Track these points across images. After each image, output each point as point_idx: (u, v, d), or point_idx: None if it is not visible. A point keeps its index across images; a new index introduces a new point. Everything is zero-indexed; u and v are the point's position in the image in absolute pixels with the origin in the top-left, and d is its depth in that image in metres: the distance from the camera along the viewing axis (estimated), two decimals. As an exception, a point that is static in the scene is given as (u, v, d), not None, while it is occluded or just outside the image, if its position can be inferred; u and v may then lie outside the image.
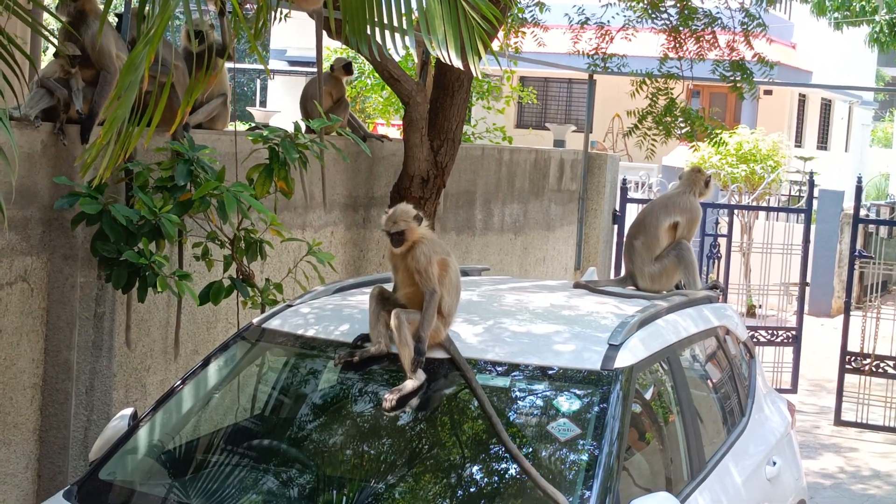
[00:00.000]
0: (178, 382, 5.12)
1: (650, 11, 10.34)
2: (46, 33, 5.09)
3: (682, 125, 10.49)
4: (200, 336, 6.96)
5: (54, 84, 6.08)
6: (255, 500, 4.50)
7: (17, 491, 5.97)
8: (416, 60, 9.94)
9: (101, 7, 6.36)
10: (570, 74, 14.29)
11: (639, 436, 4.93)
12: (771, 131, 18.92)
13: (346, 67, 8.62)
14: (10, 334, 5.84)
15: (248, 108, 27.39)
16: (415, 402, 4.65)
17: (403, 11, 4.37)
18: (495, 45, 10.57)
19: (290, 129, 6.58)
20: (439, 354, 4.71)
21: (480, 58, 4.41)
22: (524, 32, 11.37)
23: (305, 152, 6.46)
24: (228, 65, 7.70)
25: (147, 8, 3.56)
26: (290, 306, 5.33)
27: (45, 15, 8.00)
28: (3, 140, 4.54)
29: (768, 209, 14.71)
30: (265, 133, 6.42)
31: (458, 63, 4.29)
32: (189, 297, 6.10)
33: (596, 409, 4.59)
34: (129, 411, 4.99)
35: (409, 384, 4.60)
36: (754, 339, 12.25)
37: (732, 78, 10.12)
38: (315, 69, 8.20)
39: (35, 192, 5.88)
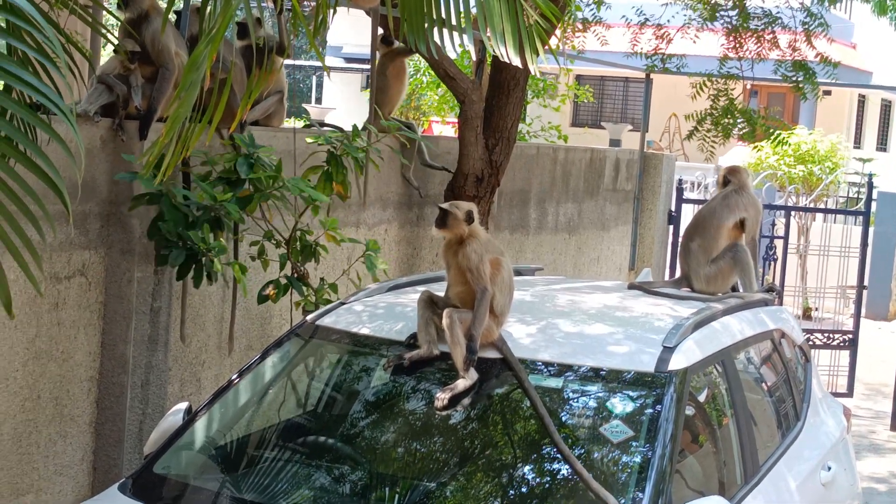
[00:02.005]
0: (233, 377, 5.15)
1: (709, 9, 10.27)
2: (105, 31, 5.13)
3: (742, 126, 10.41)
4: (255, 332, 7.00)
5: (113, 80, 6.13)
6: (307, 496, 4.52)
7: (72, 483, 6.03)
8: (472, 58, 9.92)
9: (162, 5, 6.43)
10: (627, 73, 14.21)
11: (692, 438, 4.90)
12: (829, 132, 18.72)
13: (384, 40, 8.43)
14: (68, 327, 5.90)
15: (304, 105, 27.50)
16: (467, 401, 4.65)
17: (462, 9, 4.36)
18: (553, 42, 10.55)
19: (347, 127, 6.62)
20: (492, 354, 4.70)
21: (538, 55, 4.40)
22: (581, 28, 11.32)
23: (363, 156, 6.50)
24: (285, 62, 7.73)
25: (209, 8, 3.58)
26: (343, 304, 5.35)
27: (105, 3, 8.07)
28: (67, 135, 4.59)
29: (826, 211, 14.56)
30: (327, 135, 6.46)
31: (516, 60, 4.27)
32: (242, 293, 6.14)
33: (649, 411, 4.56)
34: (183, 406, 5.03)
35: (462, 383, 4.59)
36: (810, 343, 12.12)
37: (794, 78, 10.02)
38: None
39: (94, 186, 5.93)
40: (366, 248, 6.58)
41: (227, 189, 6.06)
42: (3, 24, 3.34)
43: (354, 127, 6.72)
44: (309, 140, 6.57)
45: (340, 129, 7.73)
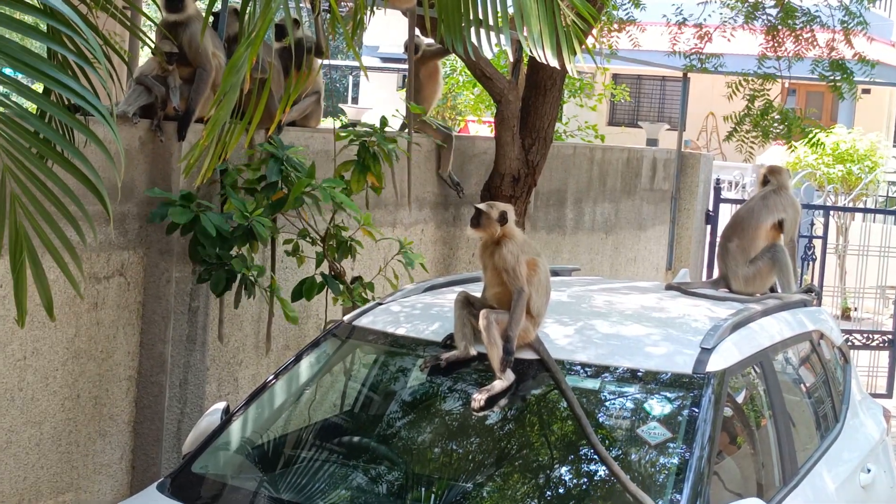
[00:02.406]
0: (270, 378, 5.17)
1: (748, 8, 10.22)
2: (143, 34, 5.16)
3: (780, 126, 10.35)
4: (291, 332, 7.03)
5: (152, 81, 6.17)
6: (344, 496, 4.53)
7: (111, 481, 6.08)
8: (509, 59, 9.91)
9: (201, 5, 6.47)
10: (664, 72, 14.17)
11: (730, 440, 4.87)
12: (868, 131, 18.57)
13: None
14: (108, 327, 5.95)
15: (341, 105, 27.57)
16: (503, 402, 4.64)
17: (499, 9, 4.36)
18: (589, 42, 10.53)
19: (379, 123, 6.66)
20: (528, 355, 4.70)
21: (575, 55, 4.39)
22: (619, 27, 11.29)
23: (393, 146, 6.52)
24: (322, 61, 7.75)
25: (248, 9, 3.60)
26: (380, 304, 5.36)
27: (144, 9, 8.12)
28: (106, 137, 4.62)
29: (865, 210, 14.45)
30: (356, 129, 6.48)
31: (553, 61, 4.27)
32: (283, 310, 6.22)
33: (687, 412, 4.55)
34: (221, 405, 5.05)
35: (498, 384, 4.59)
36: (849, 343, 12.04)
37: (832, 78, 9.96)
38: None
39: (133, 187, 5.97)
40: (400, 247, 6.59)
41: (259, 197, 6.10)
42: (44, 28, 3.37)
43: (383, 118, 6.73)
44: (341, 135, 6.60)
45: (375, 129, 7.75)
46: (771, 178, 6.59)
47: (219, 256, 5.98)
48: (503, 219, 4.76)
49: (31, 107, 4.17)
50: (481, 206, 4.81)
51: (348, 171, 6.54)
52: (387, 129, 6.86)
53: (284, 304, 6.21)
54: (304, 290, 6.33)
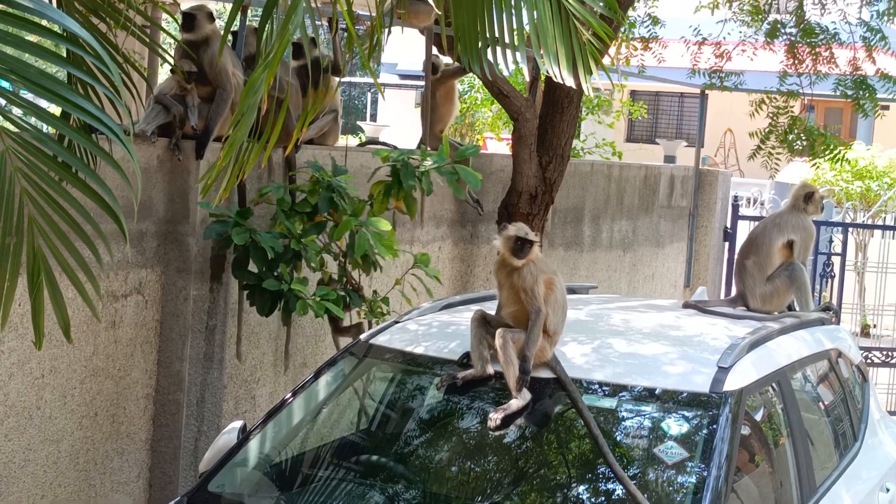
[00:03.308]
0: (287, 396, 5.17)
1: (767, 27, 10.21)
2: (162, 51, 5.19)
3: (804, 142, 10.33)
4: (309, 349, 7.03)
5: (170, 101, 6.21)
6: (360, 515, 4.53)
7: (129, 500, 6.09)
8: (525, 77, 9.92)
9: (219, 22, 6.50)
10: (682, 88, 14.17)
11: (748, 459, 4.85)
12: (888, 147, 18.52)
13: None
14: (125, 345, 5.96)
15: (359, 122, 27.62)
16: (520, 421, 4.64)
17: (515, 29, 4.37)
18: (607, 59, 10.53)
19: (400, 145, 6.65)
20: (545, 374, 4.69)
21: (591, 74, 4.40)
22: (636, 47, 11.30)
23: (425, 179, 6.53)
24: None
25: (266, 30, 3.62)
26: (397, 322, 5.36)
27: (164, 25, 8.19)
28: (122, 156, 4.65)
29: (884, 228, 14.40)
30: (392, 154, 6.48)
31: (569, 81, 4.28)
32: (298, 310, 6.20)
33: (704, 432, 4.53)
34: (238, 424, 5.06)
35: (515, 403, 4.59)
36: (868, 360, 11.98)
37: (855, 95, 9.93)
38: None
39: (151, 206, 6.00)
40: (414, 261, 6.60)
41: (303, 219, 6.13)
42: (59, 49, 3.39)
43: (422, 150, 6.73)
44: (375, 155, 6.61)
45: (394, 148, 7.75)
46: (791, 197, 6.58)
47: (259, 277, 6.02)
48: (531, 243, 4.76)
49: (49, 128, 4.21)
50: (530, 234, 4.78)
51: (379, 189, 6.55)
52: (403, 145, 6.87)
53: (335, 309, 6.20)
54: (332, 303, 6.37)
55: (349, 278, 6.45)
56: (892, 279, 13.06)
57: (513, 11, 4.30)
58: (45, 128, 3.49)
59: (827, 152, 10.25)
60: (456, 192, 6.80)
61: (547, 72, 4.30)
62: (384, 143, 8.45)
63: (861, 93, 9.91)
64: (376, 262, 6.41)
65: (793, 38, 10.16)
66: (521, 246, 4.73)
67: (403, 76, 30.76)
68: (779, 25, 10.16)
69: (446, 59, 8.30)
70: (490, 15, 4.30)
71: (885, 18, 9.85)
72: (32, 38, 3.05)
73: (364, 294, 6.55)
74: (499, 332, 4.66)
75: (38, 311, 3.32)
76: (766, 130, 10.38)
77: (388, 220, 6.50)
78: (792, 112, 10.33)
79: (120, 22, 4.26)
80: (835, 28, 10.14)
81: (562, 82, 4.29)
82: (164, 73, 13.94)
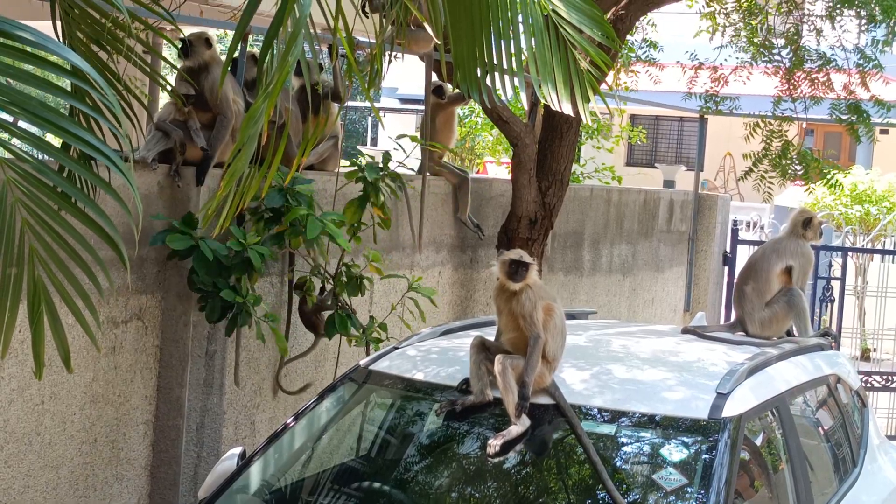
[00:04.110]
0: (287, 422, 5.18)
1: (763, 52, 10.26)
2: (162, 79, 5.22)
3: (798, 167, 10.37)
4: (308, 374, 7.04)
5: (170, 126, 6.23)
6: (359, 542, 4.53)
7: (128, 525, 6.09)
8: (524, 105, 9.96)
9: (221, 55, 6.54)
10: (682, 112, 14.20)
11: (747, 485, 4.86)
12: (887, 171, 18.55)
13: (437, 91, 8.50)
14: (125, 371, 5.97)
15: (359, 147, 27.67)
16: (519, 447, 4.64)
17: (514, 53, 4.40)
18: (604, 86, 10.58)
19: (400, 169, 6.68)
20: (544, 400, 4.70)
21: (589, 102, 4.43)
22: (636, 72, 11.35)
23: (398, 181, 6.55)
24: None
25: (266, 61, 3.65)
26: (396, 348, 5.37)
27: (165, 53, 8.23)
28: (122, 184, 4.68)
29: (884, 252, 14.41)
30: (360, 164, 6.53)
31: (567, 109, 4.30)
32: (281, 352, 6.22)
33: (703, 458, 4.54)
34: (237, 450, 5.07)
35: (514, 430, 4.59)
36: (868, 385, 11.98)
37: (849, 120, 9.98)
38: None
39: (151, 231, 6.01)
40: (409, 286, 6.61)
41: (259, 227, 6.13)
42: (60, 83, 3.42)
43: (385, 153, 6.77)
44: (345, 174, 6.64)
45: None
46: (789, 222, 6.60)
47: (214, 284, 5.98)
48: (529, 268, 4.78)
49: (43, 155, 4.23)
50: (525, 257, 4.80)
51: (352, 208, 6.58)
52: (402, 169, 6.90)
53: (277, 335, 6.21)
54: (339, 324, 6.37)
55: (338, 300, 6.45)
56: (891, 303, 13.07)
57: (511, 40, 4.33)
58: (38, 154, 3.52)
59: (821, 177, 10.28)
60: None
61: (545, 100, 4.33)
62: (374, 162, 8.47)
63: (856, 117, 9.95)
64: (361, 281, 6.41)
65: (788, 64, 10.20)
66: (515, 269, 4.75)
67: (404, 100, 30.83)
68: (771, 48, 10.20)
69: (450, 85, 8.34)
70: (489, 43, 4.33)
71: (881, 46, 9.89)
72: (30, 67, 3.06)
73: (357, 320, 6.56)
74: (498, 358, 4.67)
75: (38, 341, 3.33)
76: (760, 153, 10.42)
77: (373, 235, 6.53)
78: (786, 136, 10.36)
79: (122, 51, 4.28)
80: (832, 54, 10.18)
81: (560, 110, 4.31)
82: (164, 100, 13.98)
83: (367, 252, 6.56)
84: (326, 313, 6.60)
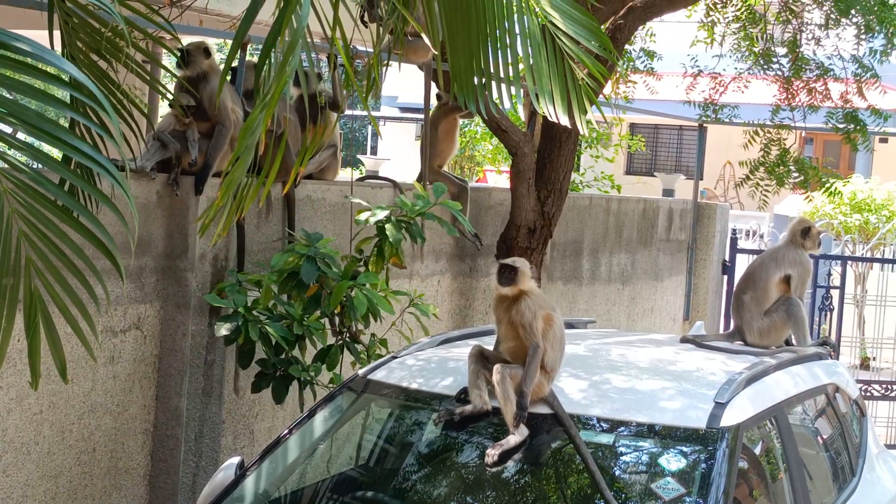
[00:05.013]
0: (285, 432, 5.18)
1: (762, 61, 10.28)
2: (162, 87, 5.24)
3: (796, 175, 10.38)
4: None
5: (168, 137, 6.24)
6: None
7: (127, 535, 6.08)
8: (522, 117, 9.98)
9: (220, 64, 6.55)
10: (681, 121, 14.22)
11: (746, 494, 4.85)
12: (886, 180, 18.56)
13: (438, 97, 8.49)
14: (124, 381, 5.97)
15: (359, 156, 27.67)
16: (518, 457, 4.64)
17: (511, 70, 4.40)
18: (605, 91, 10.59)
19: (401, 179, 6.66)
20: (542, 409, 4.70)
21: (586, 114, 4.43)
22: (634, 82, 11.37)
23: (415, 227, 6.53)
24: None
25: (263, 72, 3.65)
26: (395, 358, 5.37)
27: (164, 62, 8.23)
28: (120, 194, 4.69)
29: (883, 261, 14.42)
30: (372, 213, 6.45)
31: (564, 120, 4.31)
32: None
33: (701, 467, 4.54)
34: (235, 460, 5.06)
35: (512, 439, 4.59)
36: (868, 394, 11.98)
37: (846, 129, 9.99)
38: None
39: (150, 241, 6.02)
40: (410, 301, 6.60)
41: (295, 295, 6.19)
42: (58, 94, 3.42)
43: (401, 201, 6.70)
44: (359, 219, 6.55)
45: (394, 182, 7.79)
46: (788, 231, 6.60)
47: (273, 365, 6.17)
48: (522, 275, 4.78)
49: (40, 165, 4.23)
50: (517, 262, 4.81)
51: (367, 245, 6.52)
52: (401, 179, 6.87)
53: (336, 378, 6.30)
54: (330, 358, 6.38)
55: (349, 331, 6.45)
56: (891, 312, 13.07)
57: (508, 50, 4.33)
58: (35, 164, 3.52)
59: (820, 185, 10.30)
60: (449, 231, 6.83)
61: (542, 111, 4.33)
62: (384, 178, 8.49)
63: (853, 126, 9.97)
64: (377, 313, 6.41)
65: (786, 73, 10.22)
66: (503, 272, 4.76)
67: (404, 109, 30.84)
68: (771, 56, 10.22)
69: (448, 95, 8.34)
70: (486, 53, 4.34)
71: (879, 56, 9.90)
72: (27, 79, 3.07)
73: (361, 339, 6.54)
74: (496, 367, 4.67)
75: (34, 351, 3.34)
76: (756, 162, 10.44)
77: (383, 275, 6.51)
78: (784, 144, 10.37)
79: (121, 60, 4.29)
80: (830, 63, 10.20)
81: (557, 122, 4.32)
82: (164, 109, 13.97)
83: (384, 308, 6.43)
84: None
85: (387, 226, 6.36)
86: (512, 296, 4.80)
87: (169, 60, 10.80)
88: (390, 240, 6.31)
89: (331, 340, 6.44)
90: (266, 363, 6.20)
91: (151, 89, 7.22)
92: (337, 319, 6.38)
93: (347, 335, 6.42)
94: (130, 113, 4.55)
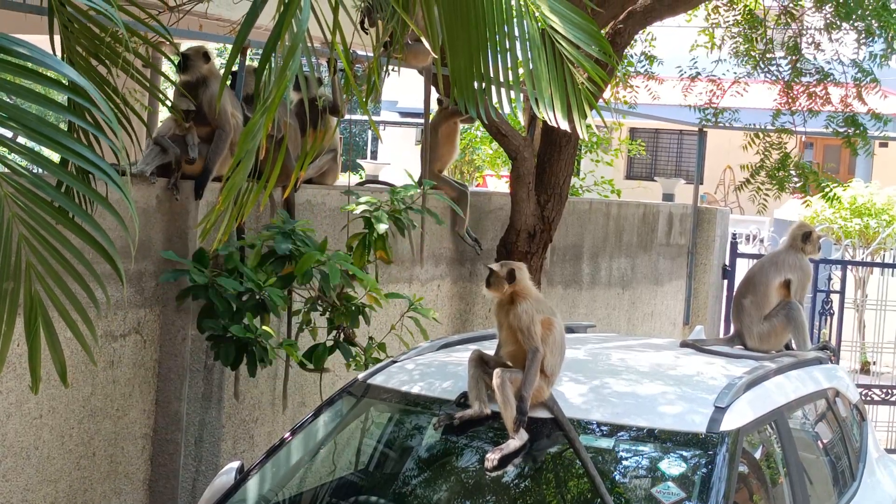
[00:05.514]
0: (285, 436, 5.18)
1: (761, 65, 10.29)
2: (161, 93, 5.24)
3: (796, 179, 10.39)
4: (308, 388, 7.04)
5: (168, 142, 6.25)
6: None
7: (126, 539, 6.08)
8: (522, 122, 9.98)
9: (220, 69, 6.55)
10: (681, 125, 14.22)
11: (746, 499, 4.85)
12: (886, 185, 18.57)
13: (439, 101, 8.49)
14: (123, 385, 5.97)
15: (359, 161, 27.68)
16: (518, 461, 4.64)
17: (511, 74, 4.41)
18: (605, 95, 10.60)
19: (400, 183, 6.65)
20: (542, 414, 4.70)
21: (585, 118, 4.43)
22: (634, 87, 11.37)
23: (405, 216, 6.49)
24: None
25: (263, 77, 3.66)
26: (395, 362, 5.37)
27: (164, 67, 8.26)
28: (120, 198, 4.68)
29: (883, 265, 14.42)
30: (360, 203, 6.44)
31: (564, 125, 4.31)
32: (295, 361, 6.18)
33: (701, 472, 4.54)
34: (235, 465, 5.06)
35: (512, 443, 4.59)
36: (868, 398, 11.98)
37: (846, 133, 10.00)
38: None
39: (150, 245, 6.02)
40: (409, 305, 6.59)
41: (268, 269, 6.09)
42: (58, 97, 3.43)
43: (392, 189, 6.71)
44: (344, 209, 6.55)
45: (392, 186, 7.80)
46: (788, 236, 6.60)
47: (224, 328, 5.95)
48: (511, 277, 4.78)
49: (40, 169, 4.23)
50: (493, 265, 4.85)
51: (357, 241, 6.50)
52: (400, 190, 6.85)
53: (294, 355, 6.14)
54: (315, 357, 6.32)
55: (340, 329, 6.42)
56: (891, 316, 13.07)
57: (508, 55, 4.33)
58: (35, 168, 3.52)
59: (819, 190, 10.30)
60: (437, 221, 6.82)
61: (541, 115, 4.33)
62: (384, 182, 8.51)
63: (853, 130, 9.98)
64: (361, 309, 6.36)
65: (784, 76, 10.23)
66: (488, 276, 4.78)
67: (404, 113, 30.84)
68: (770, 60, 10.23)
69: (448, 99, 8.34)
70: (486, 58, 4.34)
71: (880, 61, 9.91)
72: (27, 83, 3.08)
73: (357, 342, 6.52)
74: (496, 371, 4.67)
75: (34, 356, 3.34)
76: (757, 165, 10.44)
77: (371, 271, 6.48)
78: (784, 149, 10.38)
79: (118, 64, 4.29)
80: (829, 68, 10.21)
81: (557, 126, 4.32)
82: (163, 113, 13.98)
83: (367, 282, 6.43)
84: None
85: (374, 214, 6.33)
86: (509, 299, 4.80)
87: (168, 66, 10.80)
88: (377, 231, 6.28)
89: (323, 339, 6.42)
90: (216, 325, 5.98)
91: (151, 95, 7.22)
92: (314, 292, 6.31)
93: (341, 335, 6.41)
94: (129, 118, 4.55)
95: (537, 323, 4.74)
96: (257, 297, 5.99)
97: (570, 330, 5.77)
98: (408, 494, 4.86)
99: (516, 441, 4.59)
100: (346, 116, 8.84)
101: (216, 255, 6.08)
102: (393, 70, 7.38)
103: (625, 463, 4.73)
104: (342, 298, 6.33)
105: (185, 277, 5.95)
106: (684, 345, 6.22)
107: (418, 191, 6.72)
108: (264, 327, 6.00)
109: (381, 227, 6.29)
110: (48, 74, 3.07)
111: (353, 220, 6.73)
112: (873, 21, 9.31)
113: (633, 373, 5.35)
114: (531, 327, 4.72)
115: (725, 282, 13.00)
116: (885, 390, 12.40)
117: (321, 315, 6.40)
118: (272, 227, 6.18)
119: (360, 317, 6.38)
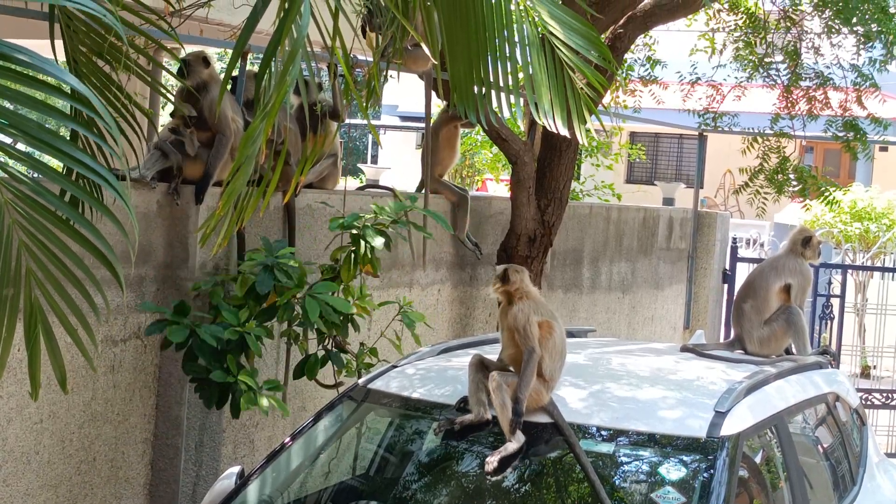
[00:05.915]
0: (285, 441, 5.18)
1: (761, 70, 10.30)
2: (165, 91, 5.24)
3: (795, 183, 10.39)
4: (308, 392, 7.04)
5: (169, 147, 6.26)
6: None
7: (127, 544, 6.08)
8: (521, 127, 9.99)
9: (220, 74, 6.55)
10: (682, 130, 14.22)
11: (746, 503, 4.86)
12: (886, 189, 18.57)
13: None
14: (124, 390, 5.97)
15: (360, 165, 27.69)
16: (517, 465, 4.64)
17: (510, 80, 4.41)
18: (606, 100, 10.60)
19: (400, 188, 6.65)
20: (542, 419, 4.70)
21: (585, 124, 4.44)
22: (635, 91, 11.38)
23: (393, 229, 6.44)
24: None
25: (263, 82, 3.66)
26: (394, 367, 5.37)
27: (164, 73, 8.24)
28: (119, 204, 4.69)
29: (883, 269, 14.42)
30: (343, 221, 6.38)
31: (563, 131, 4.31)
32: (283, 413, 6.10)
33: (701, 477, 4.54)
34: (235, 469, 5.07)
35: (510, 446, 4.59)
36: (868, 402, 11.98)
37: (845, 137, 10.00)
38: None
39: (150, 250, 6.02)
40: (399, 308, 6.56)
41: (251, 305, 6.03)
42: (59, 104, 3.43)
43: (376, 206, 6.64)
44: (331, 226, 6.48)
45: (393, 192, 7.80)
46: (788, 241, 6.61)
47: (207, 370, 5.88)
48: (504, 278, 4.78)
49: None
50: (498, 268, 4.86)
51: (344, 253, 6.41)
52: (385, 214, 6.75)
53: (278, 403, 6.02)
54: (307, 369, 6.30)
55: (331, 338, 6.38)
56: (891, 320, 13.07)
57: (507, 60, 4.34)
58: (35, 174, 3.53)
59: (818, 194, 10.30)
60: (425, 235, 6.78)
61: (541, 121, 4.34)
62: (384, 187, 8.51)
63: (853, 135, 9.98)
64: (350, 318, 6.30)
65: (783, 80, 10.24)
66: (493, 278, 4.82)
67: (404, 118, 30.85)
68: (772, 68, 10.24)
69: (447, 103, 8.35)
70: (485, 63, 4.35)
71: (879, 65, 9.91)
72: (26, 89, 3.08)
73: (349, 349, 6.48)
74: (492, 374, 4.66)
75: (34, 361, 3.34)
76: (756, 169, 10.45)
77: (360, 283, 6.43)
78: (783, 153, 10.38)
79: (121, 62, 4.30)
80: (829, 72, 10.21)
81: (556, 132, 4.32)
82: (165, 116, 13.99)
83: (348, 304, 6.28)
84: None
85: (366, 230, 6.28)
86: (509, 300, 4.81)
87: (171, 64, 10.79)
88: (364, 248, 6.23)
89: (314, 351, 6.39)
90: (198, 368, 5.91)
91: (152, 96, 7.23)
92: (297, 331, 6.29)
93: (332, 345, 6.39)
94: (134, 116, 4.55)
95: (534, 324, 4.73)
96: (236, 340, 5.92)
97: (570, 334, 5.77)
98: (408, 499, 4.86)
99: (514, 443, 4.58)
100: (347, 121, 8.84)
101: (199, 289, 6.05)
102: (392, 77, 7.38)
103: (625, 468, 4.73)
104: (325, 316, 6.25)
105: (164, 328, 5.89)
106: (684, 349, 6.22)
107: (400, 205, 6.65)
108: (244, 370, 5.90)
109: (378, 242, 6.23)
110: (48, 81, 3.07)
111: (335, 238, 6.66)
112: (873, 25, 9.31)
113: (633, 377, 5.36)
114: (527, 327, 4.71)
115: (726, 286, 13.00)
116: (885, 394, 12.40)
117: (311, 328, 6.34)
118: (254, 258, 6.11)
119: (350, 325, 6.34)
